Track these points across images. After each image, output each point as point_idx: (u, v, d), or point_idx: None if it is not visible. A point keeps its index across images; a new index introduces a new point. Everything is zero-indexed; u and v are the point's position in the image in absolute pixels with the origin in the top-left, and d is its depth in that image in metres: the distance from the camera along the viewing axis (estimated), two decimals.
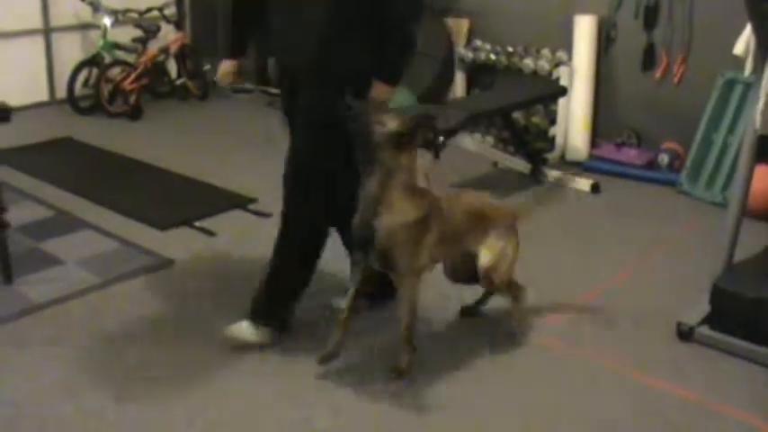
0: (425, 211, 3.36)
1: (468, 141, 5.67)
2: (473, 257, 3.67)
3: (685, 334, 3.79)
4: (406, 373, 3.49)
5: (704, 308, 3.85)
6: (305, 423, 3.22)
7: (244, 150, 6.62)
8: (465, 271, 3.78)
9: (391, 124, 3.21)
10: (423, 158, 4.22)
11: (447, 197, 3.61)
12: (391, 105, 3.52)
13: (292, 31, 3.56)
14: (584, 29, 6.27)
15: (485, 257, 3.65)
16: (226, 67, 4.09)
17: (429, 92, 6.66)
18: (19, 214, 4.90)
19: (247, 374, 3.52)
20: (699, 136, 5.76)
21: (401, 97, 5.49)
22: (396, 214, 3.29)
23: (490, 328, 3.95)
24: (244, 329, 3.70)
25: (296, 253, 3.71)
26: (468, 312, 4.06)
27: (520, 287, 3.89)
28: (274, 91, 7.76)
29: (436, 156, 4.75)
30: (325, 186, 3.58)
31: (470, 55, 6.99)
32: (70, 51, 8.09)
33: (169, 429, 3.17)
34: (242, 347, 3.67)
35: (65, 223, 5.13)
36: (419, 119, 3.31)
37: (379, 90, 3.47)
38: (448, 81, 6.99)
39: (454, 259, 3.78)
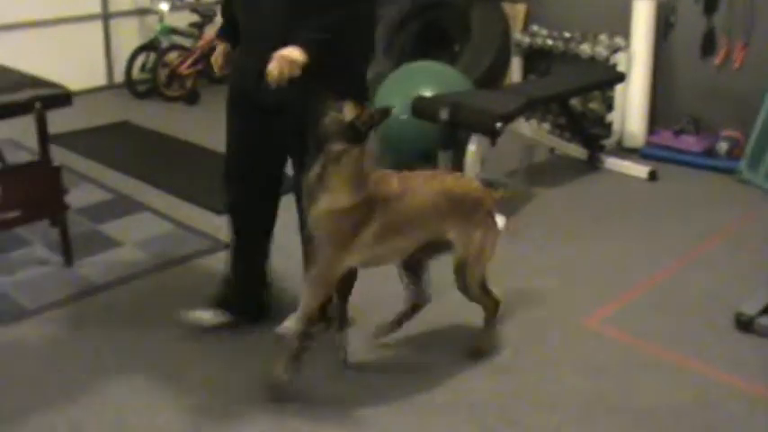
0: (360, 200, 3.10)
1: (525, 127, 5.63)
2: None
3: (745, 324, 3.74)
4: (281, 383, 3.23)
5: (764, 298, 3.81)
6: None
7: None
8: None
9: (347, 114, 3.06)
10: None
11: (403, 179, 3.28)
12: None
13: (253, 26, 3.39)
14: (643, 14, 6.19)
15: (457, 249, 3.38)
16: (218, 49, 3.70)
17: (485, 77, 6.62)
18: (78, 197, 4.98)
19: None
20: (759, 123, 5.67)
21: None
22: (329, 200, 3.10)
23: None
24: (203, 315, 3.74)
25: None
26: (385, 332, 3.66)
27: (492, 296, 3.56)
28: None
29: (493, 141, 4.72)
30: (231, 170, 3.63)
31: (527, 40, 6.95)
32: (128, 36, 8.16)
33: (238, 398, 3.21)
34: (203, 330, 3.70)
35: (123, 206, 5.20)
36: (377, 113, 3.16)
37: (288, 50, 3.11)
38: (504, 66, 6.94)
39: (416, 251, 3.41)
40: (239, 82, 3.53)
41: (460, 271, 3.40)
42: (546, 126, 6.73)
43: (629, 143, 6.34)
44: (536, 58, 7.08)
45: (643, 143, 6.29)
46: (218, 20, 7.93)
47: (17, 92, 4.22)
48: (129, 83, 7.84)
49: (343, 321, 3.46)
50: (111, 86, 8.19)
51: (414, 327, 3.66)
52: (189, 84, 7.69)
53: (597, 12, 6.64)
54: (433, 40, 7.12)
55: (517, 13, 7.17)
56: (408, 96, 5.18)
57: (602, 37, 6.56)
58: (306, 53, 3.10)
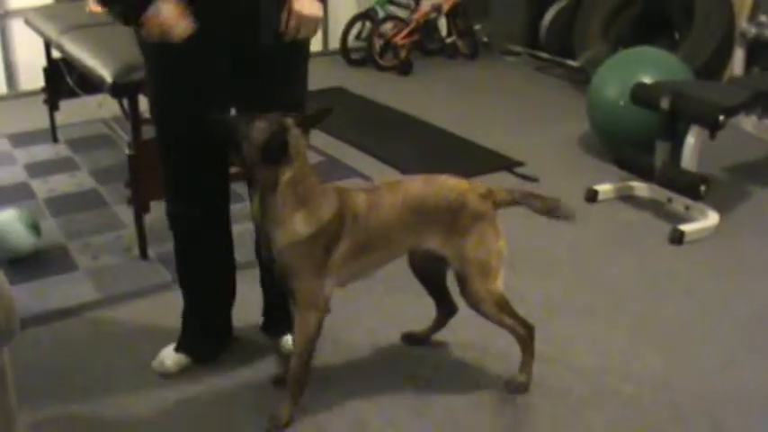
0: (322, 225, 2.79)
1: (747, 123, 5.44)
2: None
3: None
4: (284, 425, 2.98)
5: None
6: None
7: (511, 113, 6.60)
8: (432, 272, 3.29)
9: (257, 137, 2.69)
10: None
11: (370, 193, 2.98)
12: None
13: None
14: None
15: (449, 262, 3.03)
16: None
17: (705, 67, 6.42)
18: None
19: None
20: None
21: None
22: (286, 233, 2.78)
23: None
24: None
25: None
26: (412, 340, 3.48)
27: (519, 318, 3.13)
28: (543, 55, 7.79)
29: (712, 135, 4.57)
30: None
31: (753, 31, 6.67)
32: (345, 4, 8.33)
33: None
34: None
35: (334, 169, 5.30)
36: (295, 120, 2.76)
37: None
38: (726, 57, 6.71)
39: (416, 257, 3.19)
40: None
41: (462, 286, 3.04)
42: (767, 123, 6.47)
43: None
44: (761, 51, 6.80)
45: None
46: None
47: None
48: (344, 50, 8.01)
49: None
50: (326, 53, 8.39)
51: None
52: (403, 54, 7.78)
53: None
54: (652, 26, 6.96)
55: (744, 1, 6.90)
56: (627, 82, 5.07)
57: None
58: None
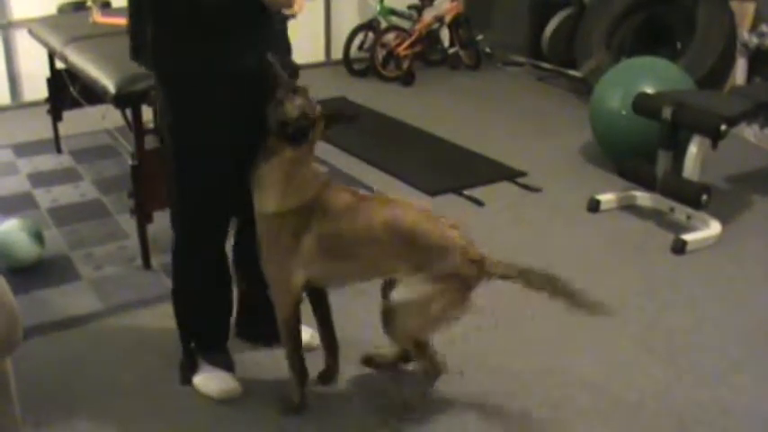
0: (294, 207, 2.82)
1: (749, 132, 5.44)
2: None
3: None
4: (296, 407, 3.07)
5: None
6: None
7: (513, 123, 6.61)
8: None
9: (289, 111, 2.78)
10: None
11: (358, 198, 2.95)
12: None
13: None
14: None
15: (396, 293, 2.87)
16: None
17: (707, 77, 6.43)
18: None
19: None
20: None
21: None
22: (262, 203, 2.85)
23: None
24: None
25: None
26: (371, 363, 3.34)
27: (433, 361, 3.02)
28: (546, 65, 7.80)
29: (714, 145, 4.58)
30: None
31: (755, 41, 6.69)
32: (348, 15, 8.35)
33: None
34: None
35: (337, 180, 5.23)
36: (327, 114, 2.89)
37: None
38: (728, 67, 6.72)
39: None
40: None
41: (387, 314, 2.92)
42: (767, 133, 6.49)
43: None
44: (763, 60, 6.81)
45: None
46: (437, 3, 8.06)
47: None
48: (347, 61, 8.03)
49: (330, 349, 3.23)
50: (328, 63, 8.42)
51: None
52: (405, 65, 7.79)
53: None
54: (654, 37, 6.97)
55: (745, 11, 6.90)
56: (629, 92, 5.08)
57: None
58: None
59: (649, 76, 5.37)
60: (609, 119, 5.38)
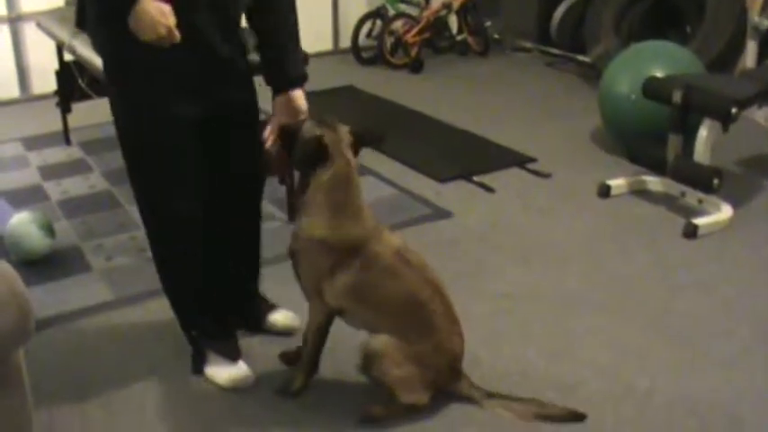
0: (338, 238, 2.87)
1: (760, 115, 5.41)
2: None
3: None
4: (294, 392, 3.12)
5: None
6: None
7: (522, 109, 6.59)
8: None
9: (304, 136, 2.87)
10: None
11: (392, 255, 2.94)
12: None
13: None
14: None
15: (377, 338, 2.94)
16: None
17: (717, 60, 6.40)
18: None
19: None
20: None
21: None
22: (305, 226, 2.92)
23: None
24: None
25: None
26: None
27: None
28: (554, 51, 7.77)
29: (725, 128, 4.56)
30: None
31: (765, 23, 6.63)
32: (356, 3, 8.34)
33: None
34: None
35: None
36: (350, 130, 2.94)
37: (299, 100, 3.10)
38: (738, 50, 6.68)
39: None
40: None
41: (368, 356, 2.97)
42: None
43: None
44: None
45: None
46: None
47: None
48: (355, 49, 8.01)
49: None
50: (336, 52, 8.40)
51: None
52: (413, 52, 7.76)
53: None
54: (663, 20, 6.94)
55: None
56: (638, 76, 5.06)
57: None
58: None
59: (659, 60, 5.35)
60: (618, 103, 5.36)
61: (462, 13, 8.16)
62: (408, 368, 2.91)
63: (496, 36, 8.36)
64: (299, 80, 3.13)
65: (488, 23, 8.22)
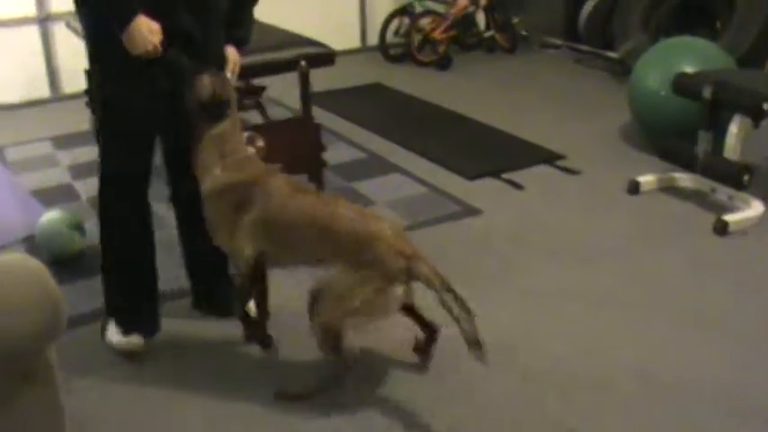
0: (231, 182, 3.04)
1: None
2: None
3: None
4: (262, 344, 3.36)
5: None
6: None
7: (551, 106, 6.57)
8: None
9: (200, 91, 3.02)
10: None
11: (295, 188, 3.09)
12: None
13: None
14: None
15: (320, 276, 2.98)
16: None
17: (747, 56, 6.36)
18: (334, 154, 5.12)
19: None
20: None
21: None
22: (206, 182, 3.10)
23: None
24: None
25: None
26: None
27: (341, 357, 2.99)
28: (583, 47, 7.74)
29: (756, 123, 4.52)
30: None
31: None
32: (383, 1, 8.35)
33: None
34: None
35: (376, 165, 5.33)
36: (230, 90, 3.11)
37: (235, 56, 3.38)
38: None
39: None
40: None
41: (313, 297, 2.96)
42: None
43: None
44: None
45: None
46: None
47: (284, 50, 4.39)
48: (383, 46, 8.03)
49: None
50: (364, 49, 8.42)
51: None
52: (441, 49, 7.76)
53: None
54: (692, 16, 6.90)
55: None
56: (668, 72, 5.03)
57: None
58: None
59: (689, 55, 5.32)
60: (648, 100, 5.33)
61: (489, 9, 8.16)
62: (357, 293, 2.86)
63: (524, 32, 8.34)
64: (242, 42, 3.43)
65: (516, 20, 8.21)
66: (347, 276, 2.87)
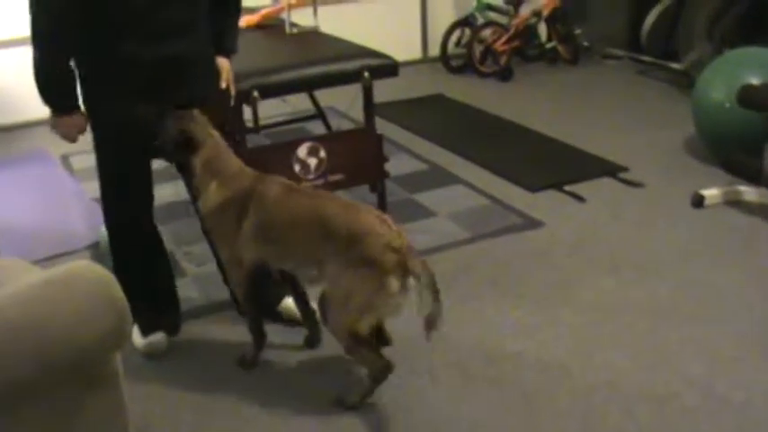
0: (230, 195, 3.19)
1: None
2: None
3: None
4: (248, 366, 3.43)
5: None
6: None
7: (613, 117, 6.51)
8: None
9: (169, 134, 3.19)
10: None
11: (288, 189, 3.20)
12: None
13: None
14: None
15: (325, 280, 3.07)
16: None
17: None
18: (396, 165, 5.12)
19: None
20: None
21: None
22: (205, 202, 3.26)
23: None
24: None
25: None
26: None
27: (376, 353, 3.05)
28: (646, 58, 7.68)
29: None
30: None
31: None
32: (444, 12, 8.35)
33: None
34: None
35: (437, 177, 5.34)
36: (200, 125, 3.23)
37: (226, 65, 3.52)
38: None
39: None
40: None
41: (321, 305, 3.11)
42: None
43: None
44: None
45: None
46: None
47: (348, 61, 4.40)
48: (444, 57, 8.03)
49: (310, 323, 3.54)
50: (425, 60, 8.42)
51: None
52: (503, 61, 7.74)
53: None
54: (758, 26, 6.81)
55: None
56: (733, 84, 4.97)
57: None
58: None
59: (754, 67, 5.24)
60: (712, 112, 5.27)
61: (551, 20, 8.11)
62: (357, 294, 2.93)
63: (586, 44, 8.28)
64: (230, 51, 3.56)
65: (578, 31, 8.16)
66: (344, 278, 2.95)
